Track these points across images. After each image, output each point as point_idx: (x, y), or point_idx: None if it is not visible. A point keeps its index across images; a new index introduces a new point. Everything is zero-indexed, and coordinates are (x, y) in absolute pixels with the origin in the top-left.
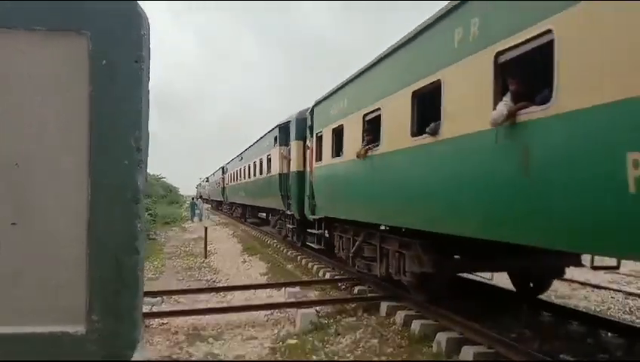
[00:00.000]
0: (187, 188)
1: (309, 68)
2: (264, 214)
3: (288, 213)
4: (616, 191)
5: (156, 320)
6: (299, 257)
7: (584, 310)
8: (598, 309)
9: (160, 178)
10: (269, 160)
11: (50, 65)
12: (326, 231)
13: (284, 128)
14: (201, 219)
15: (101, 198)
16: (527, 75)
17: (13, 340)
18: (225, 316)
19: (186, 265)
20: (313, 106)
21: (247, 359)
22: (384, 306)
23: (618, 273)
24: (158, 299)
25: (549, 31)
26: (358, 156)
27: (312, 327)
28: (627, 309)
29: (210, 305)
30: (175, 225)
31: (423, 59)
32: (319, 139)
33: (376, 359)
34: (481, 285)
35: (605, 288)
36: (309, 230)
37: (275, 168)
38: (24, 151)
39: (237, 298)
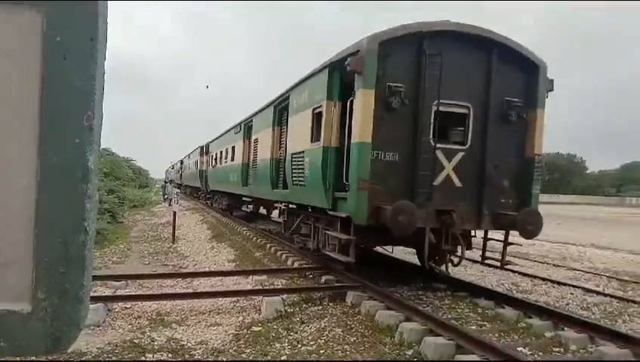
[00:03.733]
0: (158, 172)
1: (290, 47)
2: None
3: (202, 188)
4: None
5: (119, 304)
6: (268, 245)
7: (544, 304)
8: (557, 304)
9: (130, 160)
10: (196, 162)
11: (0, 39)
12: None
13: (202, 147)
14: (170, 204)
15: (50, 177)
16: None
17: None
18: (190, 302)
19: (152, 249)
20: (209, 142)
21: (209, 345)
22: (350, 296)
23: (580, 270)
24: (123, 282)
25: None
26: (212, 167)
27: (277, 315)
28: (584, 305)
29: (175, 291)
30: (144, 208)
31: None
32: (210, 157)
33: (339, 348)
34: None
35: (565, 284)
36: (208, 195)
37: (198, 167)
38: None
39: (203, 284)
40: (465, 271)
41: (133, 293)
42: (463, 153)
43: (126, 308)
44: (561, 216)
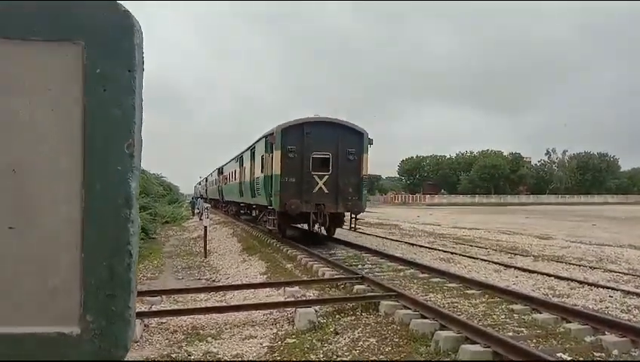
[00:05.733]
0: (188, 187)
1: (316, 62)
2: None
3: (220, 200)
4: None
5: (155, 319)
6: (298, 256)
7: (582, 309)
8: (596, 308)
9: (160, 177)
10: (216, 180)
11: (45, 74)
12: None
13: (219, 169)
14: (201, 218)
15: (95, 203)
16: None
17: (9, 340)
18: (224, 315)
19: (185, 264)
20: (223, 165)
21: (245, 358)
22: (383, 305)
23: (618, 272)
24: (158, 298)
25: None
26: (225, 184)
27: (310, 326)
28: (625, 308)
29: (209, 305)
30: (175, 224)
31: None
32: (223, 176)
33: (374, 358)
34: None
35: (604, 286)
36: (224, 205)
37: (216, 183)
38: (21, 158)
39: (236, 297)
40: (499, 277)
41: (169, 308)
42: (328, 176)
43: (162, 323)
44: (595, 217)
